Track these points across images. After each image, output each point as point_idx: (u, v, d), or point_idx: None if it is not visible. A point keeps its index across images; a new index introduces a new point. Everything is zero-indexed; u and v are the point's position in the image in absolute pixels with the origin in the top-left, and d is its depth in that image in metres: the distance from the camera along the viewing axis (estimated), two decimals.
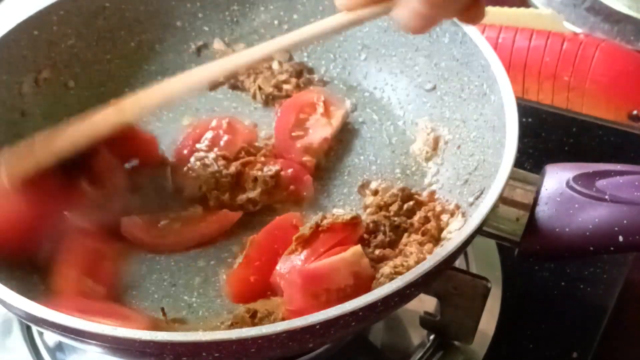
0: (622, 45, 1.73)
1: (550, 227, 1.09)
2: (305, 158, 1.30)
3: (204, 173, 1.25)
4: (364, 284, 1.06)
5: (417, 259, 1.09)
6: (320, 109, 1.37)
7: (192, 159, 1.28)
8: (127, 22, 1.41)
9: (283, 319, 1.03)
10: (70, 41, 1.36)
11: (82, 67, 1.38)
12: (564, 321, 1.31)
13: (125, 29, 1.41)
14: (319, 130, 1.34)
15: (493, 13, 1.79)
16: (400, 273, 1.06)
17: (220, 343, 0.90)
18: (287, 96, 1.39)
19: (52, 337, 1.26)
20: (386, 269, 1.08)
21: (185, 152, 1.32)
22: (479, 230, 1.02)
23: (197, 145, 1.31)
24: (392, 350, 1.27)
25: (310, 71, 1.43)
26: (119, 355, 1.02)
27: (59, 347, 1.26)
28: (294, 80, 1.41)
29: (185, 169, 1.27)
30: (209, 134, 1.33)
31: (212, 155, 1.27)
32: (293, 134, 1.33)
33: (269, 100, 1.40)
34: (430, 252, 1.10)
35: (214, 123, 1.35)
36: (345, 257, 1.08)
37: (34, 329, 1.27)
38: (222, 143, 1.32)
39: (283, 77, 1.42)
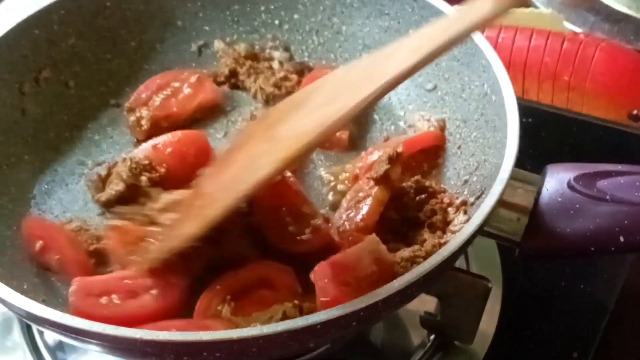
0: (622, 45, 1.73)
1: (551, 227, 1.09)
2: (338, 133, 1.32)
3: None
4: (387, 269, 1.08)
5: (433, 243, 1.10)
6: None
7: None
8: (127, 22, 1.41)
9: None
10: (70, 40, 1.36)
11: (82, 66, 1.38)
12: (564, 321, 1.31)
13: (126, 29, 1.41)
14: None
15: None
16: (419, 256, 1.08)
17: (221, 343, 0.90)
18: (288, 94, 1.40)
19: (52, 337, 1.26)
20: (405, 252, 1.09)
21: (143, 96, 1.37)
22: (480, 231, 1.02)
23: (155, 97, 1.37)
24: (392, 350, 1.27)
25: (311, 71, 1.43)
26: (120, 355, 1.02)
27: (59, 346, 1.26)
28: (294, 77, 1.41)
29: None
30: (175, 83, 1.39)
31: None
32: None
33: (270, 100, 1.40)
34: (441, 238, 1.11)
35: (184, 75, 1.40)
36: (363, 245, 1.10)
37: (34, 328, 1.27)
38: (180, 96, 1.38)
39: (282, 74, 1.42)
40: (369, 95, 0.96)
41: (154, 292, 1.11)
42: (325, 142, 1.04)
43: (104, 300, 1.10)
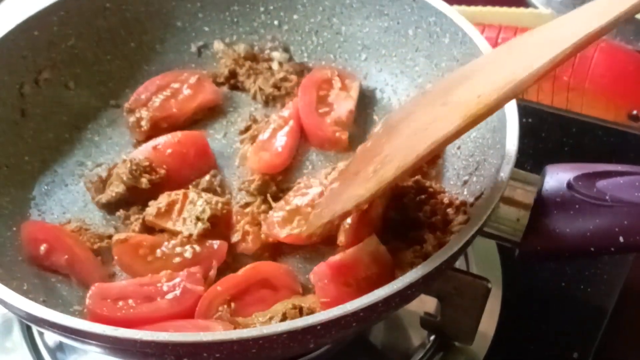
0: (621, 46, 1.73)
1: (551, 227, 1.09)
2: (338, 134, 1.33)
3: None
4: (387, 270, 1.09)
5: (433, 244, 1.10)
6: (338, 84, 1.39)
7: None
8: (127, 23, 1.41)
9: None
10: (70, 41, 1.36)
11: (82, 67, 1.38)
12: (565, 322, 1.31)
13: (126, 30, 1.41)
14: (343, 104, 1.36)
15: (492, 13, 1.79)
16: (418, 257, 1.09)
17: (221, 343, 0.90)
18: (288, 95, 1.40)
19: (52, 337, 1.26)
20: (407, 254, 1.10)
21: (142, 97, 1.37)
22: (480, 231, 1.02)
23: (154, 98, 1.37)
24: (392, 351, 1.27)
25: (311, 71, 1.43)
26: (120, 356, 1.02)
27: (59, 347, 1.26)
28: (294, 77, 1.41)
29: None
30: (174, 84, 1.39)
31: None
32: (320, 110, 1.35)
33: (269, 100, 1.40)
34: (441, 239, 1.11)
35: (184, 75, 1.41)
36: (362, 246, 1.10)
37: (34, 328, 1.27)
38: (180, 97, 1.38)
39: (281, 75, 1.42)
40: (561, 52, 0.90)
41: (169, 297, 1.11)
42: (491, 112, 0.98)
43: (120, 304, 1.10)
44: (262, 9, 1.45)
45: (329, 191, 1.18)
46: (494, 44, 1.70)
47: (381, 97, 1.39)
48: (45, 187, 1.29)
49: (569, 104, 1.69)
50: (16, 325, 1.28)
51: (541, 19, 1.74)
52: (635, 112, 1.65)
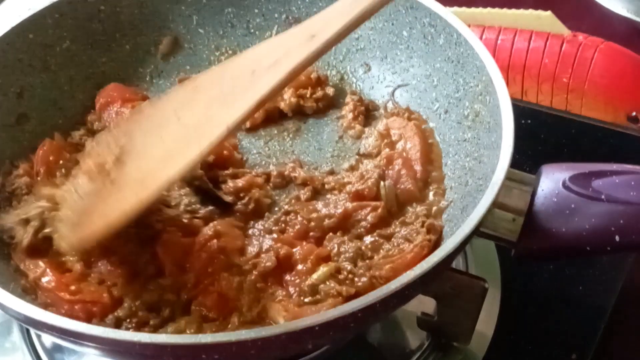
0: (621, 47, 1.73)
1: (547, 227, 1.09)
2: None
3: None
4: None
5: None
6: None
7: None
8: (122, 25, 1.41)
9: None
10: (65, 44, 1.36)
11: (77, 70, 1.38)
12: (563, 322, 1.31)
13: (120, 32, 1.41)
14: None
15: (492, 14, 1.79)
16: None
17: (220, 345, 0.90)
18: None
19: (51, 338, 1.26)
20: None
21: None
22: (476, 231, 1.02)
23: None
24: (390, 351, 1.27)
25: None
26: (118, 358, 1.02)
27: (58, 348, 1.26)
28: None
29: None
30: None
31: None
32: None
33: None
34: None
35: None
36: None
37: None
38: None
39: None
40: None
41: None
42: None
43: None
44: (256, 11, 1.45)
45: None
46: (494, 45, 1.70)
47: (376, 98, 1.39)
48: None
49: (568, 105, 1.69)
50: (15, 326, 1.29)
51: (540, 21, 1.74)
52: (634, 113, 1.65)
